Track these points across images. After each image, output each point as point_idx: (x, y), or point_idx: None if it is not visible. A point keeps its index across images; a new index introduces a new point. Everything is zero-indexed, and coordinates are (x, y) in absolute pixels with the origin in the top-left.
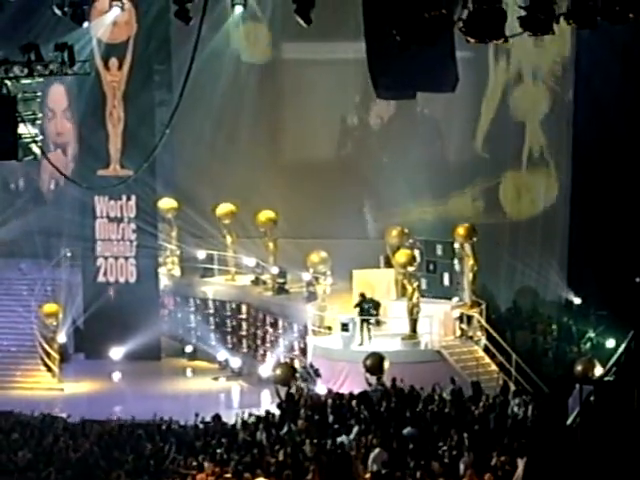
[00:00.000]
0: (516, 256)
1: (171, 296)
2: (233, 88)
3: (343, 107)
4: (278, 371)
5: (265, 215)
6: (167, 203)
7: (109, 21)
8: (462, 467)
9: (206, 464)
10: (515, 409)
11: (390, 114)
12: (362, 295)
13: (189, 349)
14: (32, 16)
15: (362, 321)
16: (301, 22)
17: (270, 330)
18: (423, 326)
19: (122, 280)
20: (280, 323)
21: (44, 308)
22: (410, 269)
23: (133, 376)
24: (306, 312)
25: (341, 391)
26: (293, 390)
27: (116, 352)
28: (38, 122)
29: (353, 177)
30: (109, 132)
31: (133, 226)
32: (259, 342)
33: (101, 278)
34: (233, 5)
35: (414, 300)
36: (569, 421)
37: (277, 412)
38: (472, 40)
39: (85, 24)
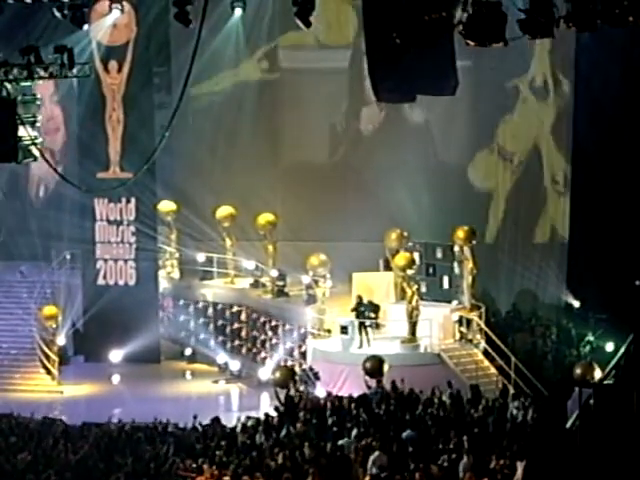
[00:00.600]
0: (516, 259)
1: (170, 299)
2: (233, 90)
3: (341, 111)
4: (277, 374)
5: (265, 218)
6: (167, 206)
7: (109, 24)
8: (461, 470)
9: (205, 467)
10: (514, 412)
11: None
12: (359, 298)
13: (188, 352)
14: (32, 18)
15: (360, 324)
16: (301, 25)
17: (269, 333)
18: (422, 329)
19: (122, 283)
20: (279, 326)
21: (44, 310)
22: (409, 272)
23: (132, 379)
24: (305, 315)
25: (340, 394)
26: (292, 393)
27: (115, 355)
28: (37, 124)
29: (352, 180)
30: (109, 135)
31: (133, 229)
32: (258, 345)
33: (101, 281)
34: (233, 8)
35: (413, 303)
36: (568, 424)
37: (276, 415)
38: (472, 43)
39: (85, 27)
